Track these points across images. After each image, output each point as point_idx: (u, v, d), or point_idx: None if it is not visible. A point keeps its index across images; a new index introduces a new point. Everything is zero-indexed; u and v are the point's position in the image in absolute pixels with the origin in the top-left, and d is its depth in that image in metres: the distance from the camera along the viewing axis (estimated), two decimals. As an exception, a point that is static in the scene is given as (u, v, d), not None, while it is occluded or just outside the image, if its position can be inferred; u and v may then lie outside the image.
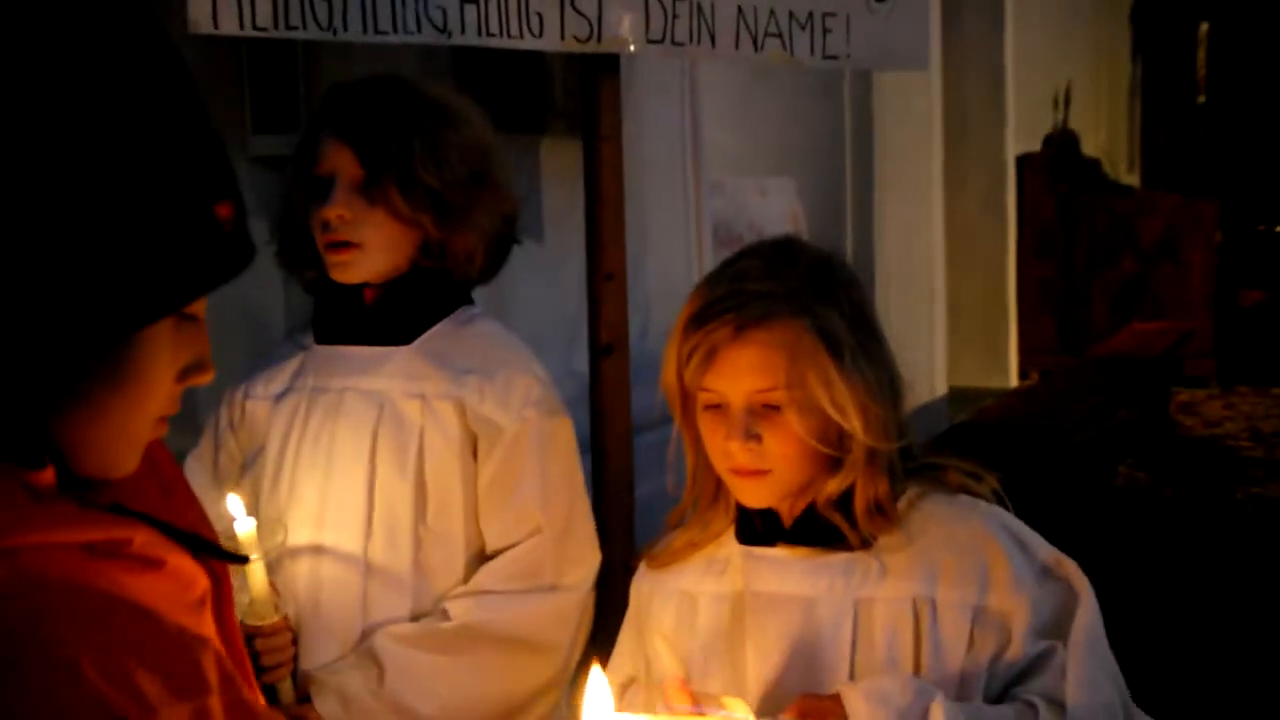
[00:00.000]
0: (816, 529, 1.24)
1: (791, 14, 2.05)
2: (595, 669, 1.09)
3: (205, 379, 0.88)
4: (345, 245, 1.53)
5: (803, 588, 1.25)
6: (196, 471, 1.66)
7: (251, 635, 1.48)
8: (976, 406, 6.03)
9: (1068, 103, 7.62)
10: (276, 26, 1.68)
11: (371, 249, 1.54)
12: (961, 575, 1.22)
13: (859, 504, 1.22)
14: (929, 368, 5.49)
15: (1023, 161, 6.78)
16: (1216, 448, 5.13)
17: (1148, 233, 6.66)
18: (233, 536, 1.46)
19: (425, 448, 1.57)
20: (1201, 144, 9.17)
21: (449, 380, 1.57)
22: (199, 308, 0.85)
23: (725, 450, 1.20)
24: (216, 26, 1.64)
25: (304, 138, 1.59)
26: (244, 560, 1.44)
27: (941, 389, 5.59)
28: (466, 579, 1.60)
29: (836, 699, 1.17)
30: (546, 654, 1.58)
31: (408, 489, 1.56)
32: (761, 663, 1.26)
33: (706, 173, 3.60)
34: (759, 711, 1.22)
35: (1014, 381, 6.63)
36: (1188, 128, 9.24)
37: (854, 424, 1.18)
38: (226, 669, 0.81)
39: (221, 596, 0.91)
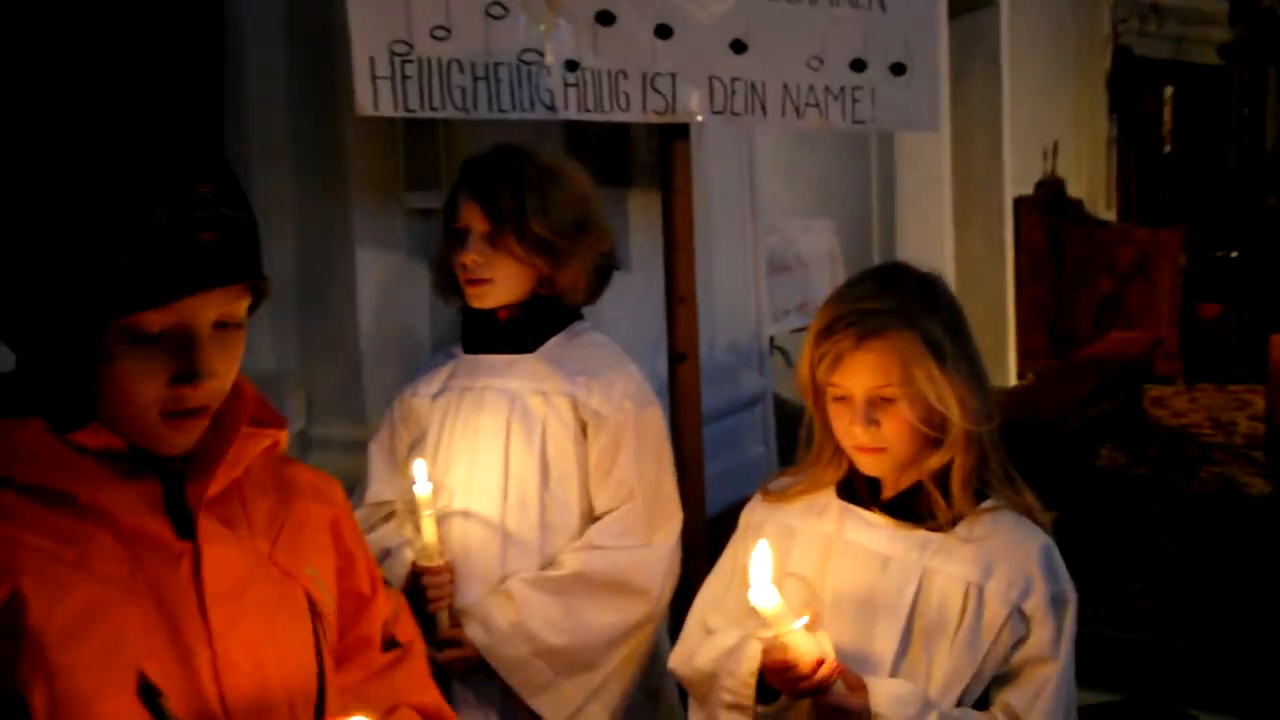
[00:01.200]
0: (909, 506, 1.24)
1: (826, 88, 2.02)
2: (762, 542, 1.12)
3: (192, 388, 0.85)
4: (480, 281, 1.56)
5: (883, 547, 1.25)
6: (375, 454, 1.70)
7: (421, 574, 1.51)
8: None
9: (1055, 154, 7.41)
10: (423, 108, 1.70)
11: (500, 283, 1.57)
12: (1011, 579, 1.21)
13: (956, 476, 1.21)
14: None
15: (1019, 202, 6.61)
16: (1183, 435, 4.96)
17: (1123, 258, 6.45)
18: (412, 496, 1.49)
19: (547, 433, 1.59)
20: (1167, 185, 8.85)
21: (564, 380, 1.59)
22: (151, 326, 0.83)
23: (850, 432, 1.23)
24: (377, 109, 1.67)
25: (449, 198, 1.62)
26: None
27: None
28: (580, 536, 1.61)
29: (864, 689, 1.16)
30: (640, 596, 1.59)
31: (534, 464, 1.58)
32: (834, 599, 1.25)
33: (761, 215, 3.56)
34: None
35: (1013, 380, 6.46)
36: (1156, 172, 8.92)
37: (954, 412, 1.19)
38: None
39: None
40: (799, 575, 1.26)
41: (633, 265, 2.71)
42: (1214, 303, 6.59)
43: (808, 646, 1.14)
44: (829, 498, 1.30)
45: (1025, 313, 6.63)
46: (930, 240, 5.24)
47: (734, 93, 1.93)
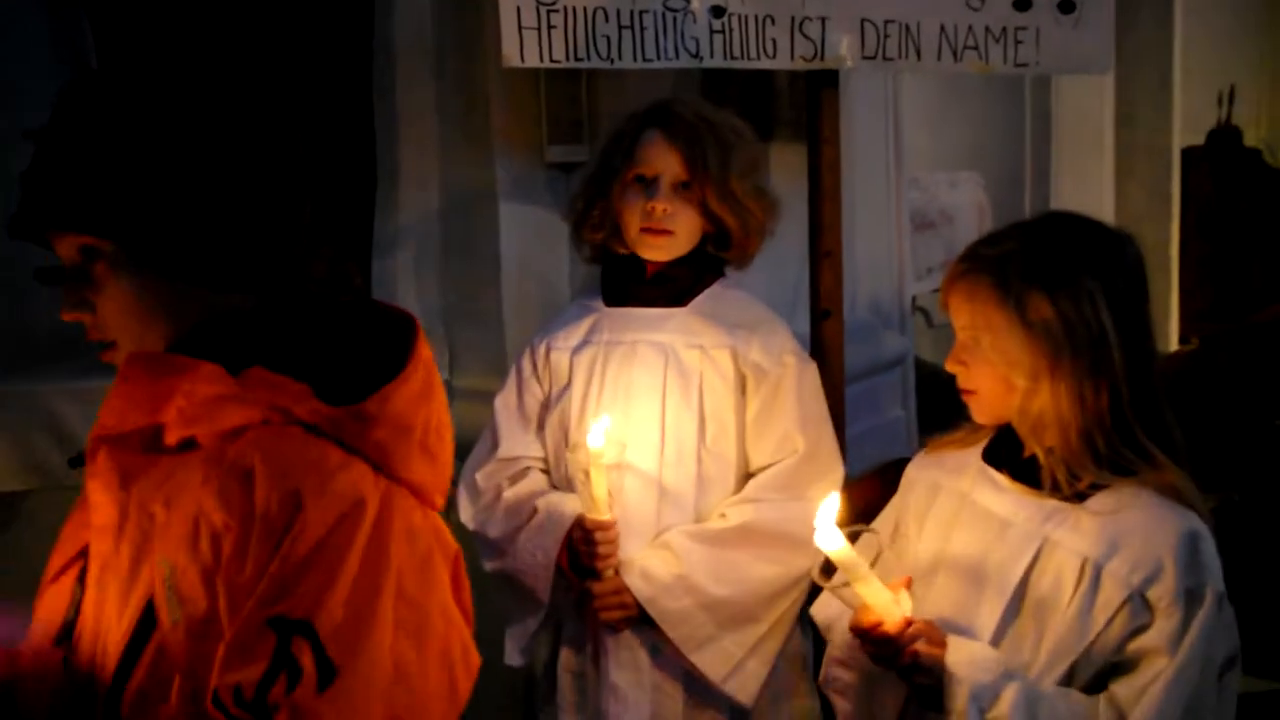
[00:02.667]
0: (1034, 471, 1.20)
1: (987, 28, 1.92)
2: (833, 494, 1.13)
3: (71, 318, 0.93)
4: (662, 232, 1.56)
5: (1006, 512, 1.21)
6: (502, 409, 1.72)
7: (591, 529, 1.54)
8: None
9: (1231, 99, 6.87)
10: (568, 58, 1.70)
11: (680, 235, 1.58)
12: (1136, 561, 1.13)
13: (1072, 449, 1.16)
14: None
15: (1187, 153, 6.18)
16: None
17: (1307, 213, 5.95)
18: (585, 448, 1.53)
19: (704, 387, 1.59)
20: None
21: (723, 333, 1.59)
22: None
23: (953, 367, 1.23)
24: (523, 60, 1.68)
25: (619, 140, 1.60)
26: None
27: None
28: (735, 491, 1.61)
29: (943, 645, 1.14)
30: (801, 550, 1.58)
31: (692, 419, 1.59)
32: (951, 561, 1.23)
33: (905, 169, 3.45)
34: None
35: (1174, 345, 6.09)
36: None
37: (1020, 380, 1.15)
38: None
39: None
40: (872, 529, 1.26)
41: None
42: None
43: (883, 600, 1.12)
44: (974, 456, 1.27)
45: (1191, 272, 6.21)
46: (1089, 193, 4.96)
47: (887, 36, 1.86)
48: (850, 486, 2.17)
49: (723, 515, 1.59)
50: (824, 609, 1.39)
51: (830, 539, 1.09)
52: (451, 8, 2.09)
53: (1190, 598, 1.10)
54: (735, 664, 1.57)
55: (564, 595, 1.63)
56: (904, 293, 3.33)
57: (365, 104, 2.05)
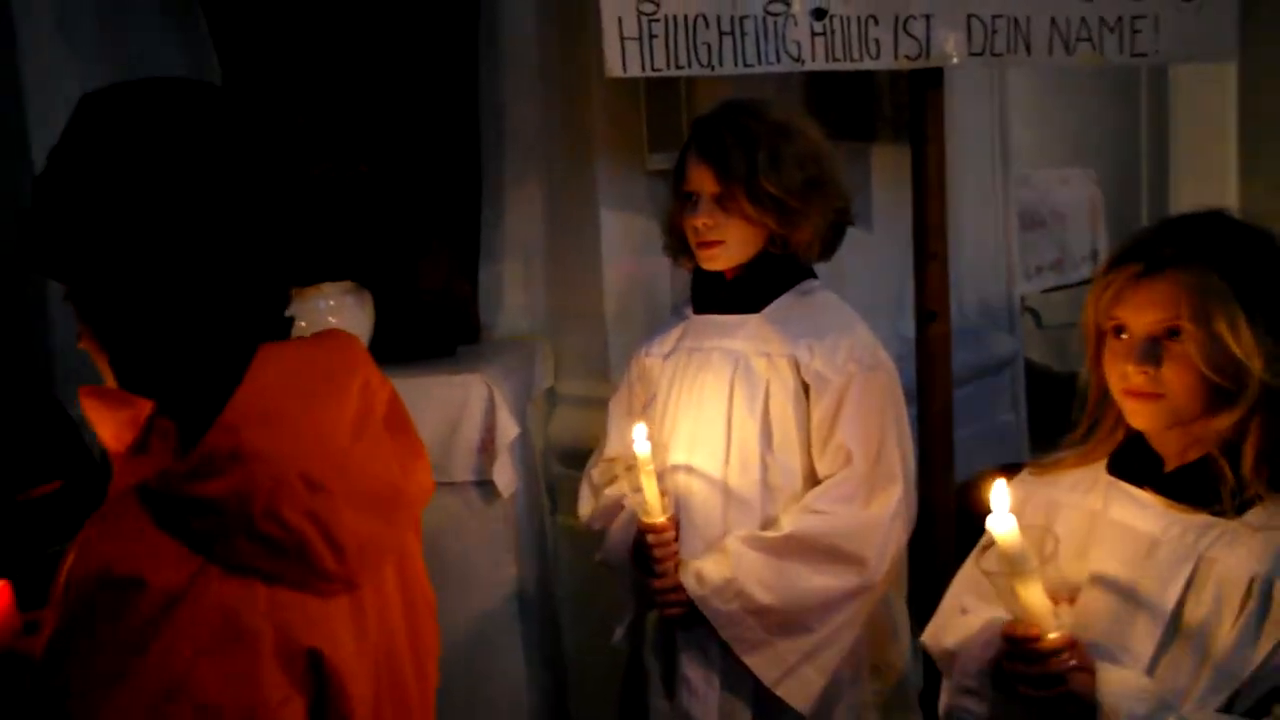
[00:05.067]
0: (1192, 484, 1.12)
1: (1101, 19, 1.87)
2: (1000, 481, 1.05)
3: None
4: (711, 244, 1.59)
5: (1153, 529, 1.13)
6: (614, 412, 1.80)
7: (645, 530, 1.57)
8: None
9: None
10: (669, 66, 1.74)
11: (731, 245, 1.60)
12: None
13: (1251, 449, 1.08)
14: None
15: (1320, 143, 5.85)
16: None
17: None
18: (632, 456, 1.55)
19: (770, 394, 1.61)
20: None
21: (788, 342, 1.60)
22: None
23: (1124, 373, 1.12)
24: (625, 70, 1.72)
25: (678, 161, 1.65)
26: None
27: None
28: (802, 499, 1.61)
29: (1091, 673, 1.06)
30: (855, 563, 1.58)
31: (756, 426, 1.60)
32: (1093, 583, 1.15)
33: (1013, 166, 3.37)
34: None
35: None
36: None
37: (1255, 364, 1.06)
38: None
39: None
40: (1040, 525, 1.16)
41: (875, 222, 2.65)
42: None
43: (1045, 608, 1.05)
44: (1099, 472, 1.21)
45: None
46: (1210, 192, 4.75)
47: (995, 31, 1.83)
48: (959, 489, 2.14)
49: (778, 523, 1.60)
50: (942, 634, 1.30)
51: (1003, 523, 1.01)
52: (554, 18, 2.15)
53: None
54: (788, 669, 1.58)
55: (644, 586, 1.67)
56: (1013, 293, 3.25)
57: (472, 115, 2.11)
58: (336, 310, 1.82)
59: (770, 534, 1.59)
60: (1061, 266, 3.81)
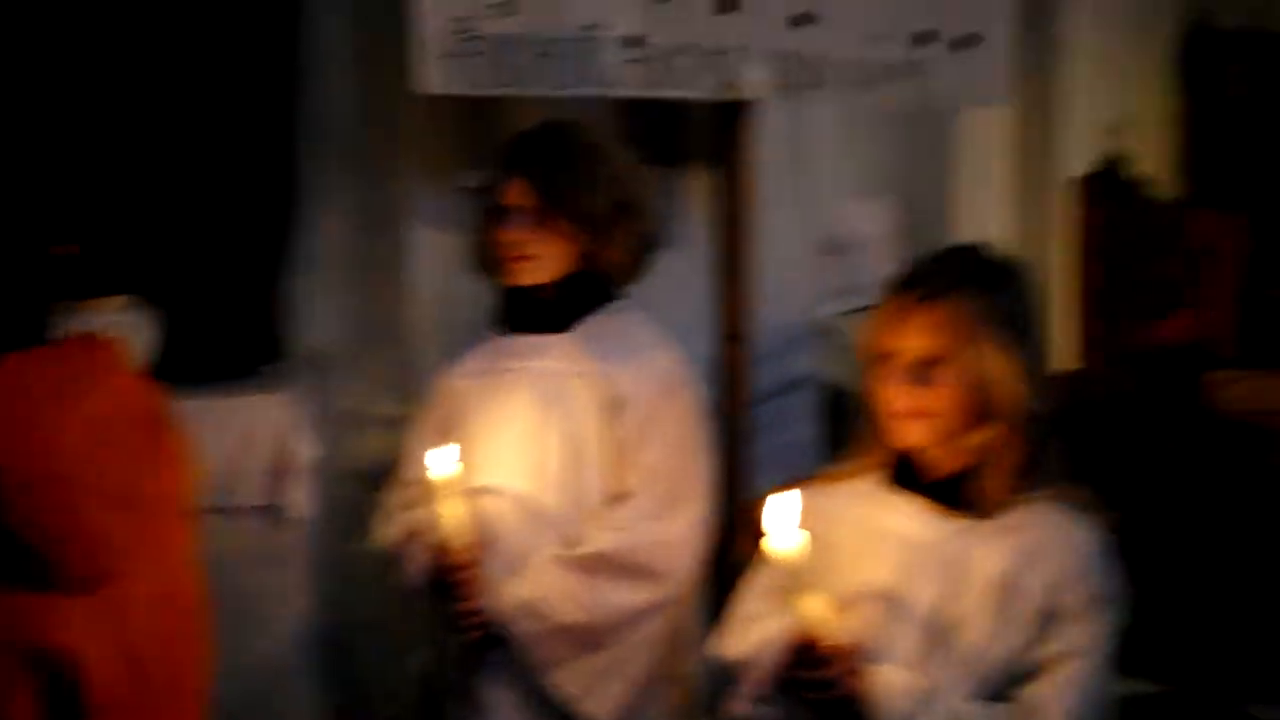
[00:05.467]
0: (954, 492, 1.22)
1: (889, 63, 2.01)
2: (776, 496, 1.10)
3: None
4: (522, 258, 1.60)
5: (918, 534, 1.23)
6: (419, 430, 1.74)
7: (445, 554, 1.56)
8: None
9: (1119, 132, 7.26)
10: (484, 85, 1.75)
11: (543, 260, 1.61)
12: (1051, 573, 1.19)
13: (1004, 462, 1.19)
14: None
15: (1078, 182, 6.50)
16: (1247, 424, 4.86)
17: (1187, 241, 6.32)
18: (432, 479, 1.53)
19: (577, 413, 1.63)
20: (1240, 165, 8.63)
21: (596, 360, 1.63)
22: None
23: (893, 396, 1.21)
24: (440, 87, 1.70)
25: (492, 177, 1.65)
26: None
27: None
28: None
29: (860, 674, 1.14)
30: (657, 579, 1.62)
31: (564, 445, 1.63)
32: (862, 587, 1.24)
33: (816, 193, 3.55)
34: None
35: (1066, 365, 6.38)
36: (1228, 151, 8.71)
37: (1009, 386, 1.17)
38: None
39: None
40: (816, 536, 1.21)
41: (683, 243, 2.73)
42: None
43: (821, 616, 1.11)
44: (868, 484, 1.30)
45: (1082, 297, 6.53)
46: (989, 221, 5.16)
47: (798, 69, 1.94)
48: (756, 505, 2.23)
49: (580, 541, 1.62)
50: (730, 645, 1.34)
51: (779, 537, 1.06)
52: (373, 29, 2.09)
53: (1099, 604, 1.19)
54: (590, 686, 1.60)
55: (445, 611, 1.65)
56: (813, 315, 3.42)
57: (288, 123, 2.03)
58: (115, 326, 1.68)
59: (575, 552, 1.60)
60: (861, 291, 4.02)
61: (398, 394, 2.15)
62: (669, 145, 2.47)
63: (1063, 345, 6.31)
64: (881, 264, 4.14)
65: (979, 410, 1.19)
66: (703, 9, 1.87)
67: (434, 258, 2.12)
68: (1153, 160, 8.24)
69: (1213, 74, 8.73)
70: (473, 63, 1.68)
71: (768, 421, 2.75)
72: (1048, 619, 1.18)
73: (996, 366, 1.17)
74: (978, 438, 1.20)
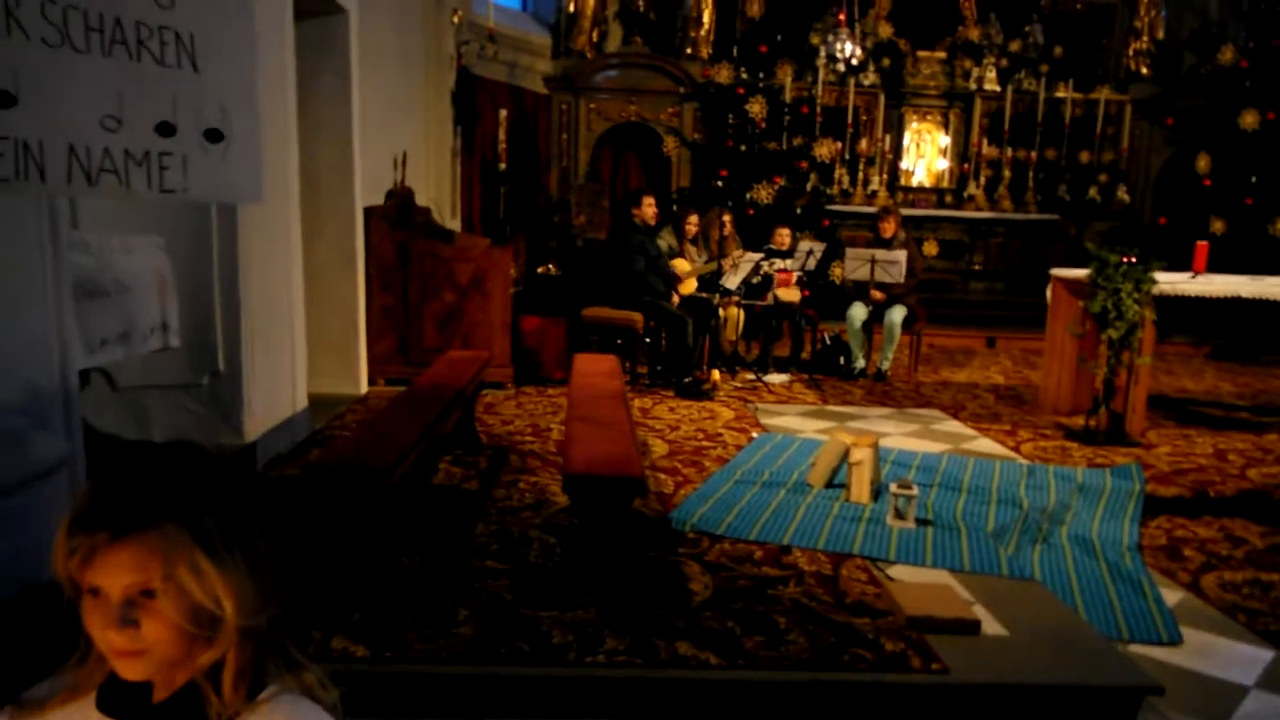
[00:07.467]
0: (184, 708, 1.17)
1: (127, 151, 1.84)
2: None
3: None
4: None
5: None
6: None
7: None
8: (333, 411, 5.98)
9: (404, 163, 7.79)
10: None
11: None
12: None
13: (230, 673, 1.16)
14: (292, 386, 5.32)
15: (369, 212, 6.82)
16: (510, 443, 5.57)
17: (463, 271, 7.04)
18: None
19: None
20: (503, 200, 9.90)
21: None
22: None
23: (105, 636, 1.12)
24: None
25: None
26: None
27: (303, 403, 5.45)
28: None
29: None
30: None
31: None
32: None
33: (68, 233, 3.14)
34: None
35: (364, 389, 6.67)
36: (495, 186, 9.92)
37: (227, 607, 1.13)
38: None
39: None
40: None
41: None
42: (535, 315, 7.55)
43: None
44: (88, 708, 1.19)
45: (376, 321, 6.88)
46: (277, 256, 5.13)
47: (1, 154, 1.66)
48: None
49: None
50: None
51: None
52: None
53: None
54: None
55: None
56: (69, 375, 3.03)
57: None
58: None
59: None
60: (129, 339, 3.69)
61: None
62: None
63: (358, 368, 6.59)
64: (154, 309, 3.85)
65: (202, 632, 1.14)
66: None
67: None
68: (434, 190, 9.04)
69: (479, 116, 9.85)
70: None
71: (12, 518, 2.36)
72: None
73: (213, 590, 1.13)
74: (204, 660, 1.16)
